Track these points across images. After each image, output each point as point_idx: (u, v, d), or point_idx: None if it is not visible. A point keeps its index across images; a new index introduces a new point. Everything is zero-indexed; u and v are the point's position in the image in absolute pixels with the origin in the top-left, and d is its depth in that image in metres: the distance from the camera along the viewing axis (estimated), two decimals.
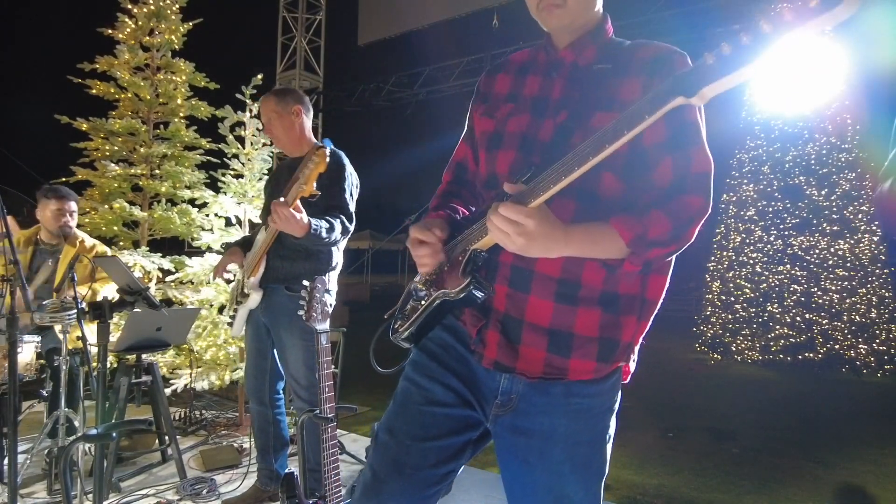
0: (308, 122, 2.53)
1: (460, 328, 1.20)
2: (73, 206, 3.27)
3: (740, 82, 0.73)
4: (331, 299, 2.32)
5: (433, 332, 1.23)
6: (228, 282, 4.09)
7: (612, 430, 1.14)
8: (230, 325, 2.59)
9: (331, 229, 2.23)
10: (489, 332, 1.12)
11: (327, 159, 2.01)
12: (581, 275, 1.06)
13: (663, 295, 1.13)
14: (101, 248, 3.40)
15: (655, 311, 1.13)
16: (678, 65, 1.06)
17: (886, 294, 7.65)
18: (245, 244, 2.60)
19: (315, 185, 2.04)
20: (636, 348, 1.14)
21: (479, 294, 1.07)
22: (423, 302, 1.17)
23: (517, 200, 0.95)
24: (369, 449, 1.24)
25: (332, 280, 2.44)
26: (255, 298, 2.40)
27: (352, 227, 2.38)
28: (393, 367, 1.30)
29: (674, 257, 1.07)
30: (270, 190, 2.60)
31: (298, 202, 2.07)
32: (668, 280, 1.12)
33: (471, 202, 1.30)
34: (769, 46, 0.69)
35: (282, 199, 2.09)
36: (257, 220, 4.02)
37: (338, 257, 2.49)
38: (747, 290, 8.19)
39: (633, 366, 1.16)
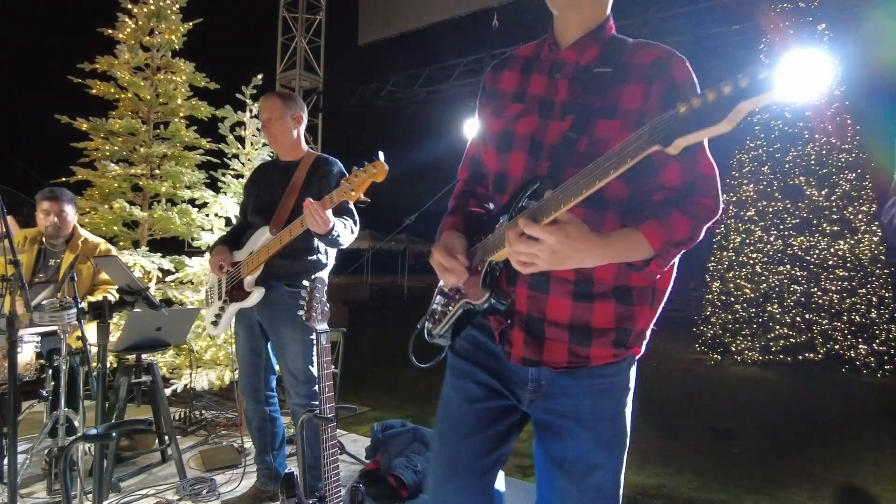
0: (303, 130, 2.61)
1: (488, 325, 1.28)
2: (65, 206, 3.17)
3: (708, 137, 0.79)
4: None
5: (465, 331, 1.32)
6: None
7: (629, 408, 1.24)
8: (213, 324, 2.55)
9: (344, 230, 2.32)
10: (514, 331, 1.21)
11: (386, 173, 2.02)
12: (593, 273, 1.13)
13: (671, 284, 1.20)
14: (105, 245, 3.37)
15: (665, 298, 1.21)
16: (676, 70, 1.11)
17: (886, 294, 7.64)
18: (230, 242, 2.58)
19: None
20: (648, 333, 1.23)
21: (500, 307, 1.16)
22: (450, 308, 1.27)
23: (531, 217, 0.99)
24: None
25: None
26: (255, 297, 2.41)
27: (357, 230, 2.45)
28: (429, 362, 1.40)
29: None
30: (258, 190, 2.61)
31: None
32: (675, 269, 1.18)
33: (487, 199, 1.36)
34: (733, 107, 0.73)
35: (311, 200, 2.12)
36: None
37: (331, 255, 2.59)
38: (747, 290, 8.18)
39: (643, 348, 1.24)
